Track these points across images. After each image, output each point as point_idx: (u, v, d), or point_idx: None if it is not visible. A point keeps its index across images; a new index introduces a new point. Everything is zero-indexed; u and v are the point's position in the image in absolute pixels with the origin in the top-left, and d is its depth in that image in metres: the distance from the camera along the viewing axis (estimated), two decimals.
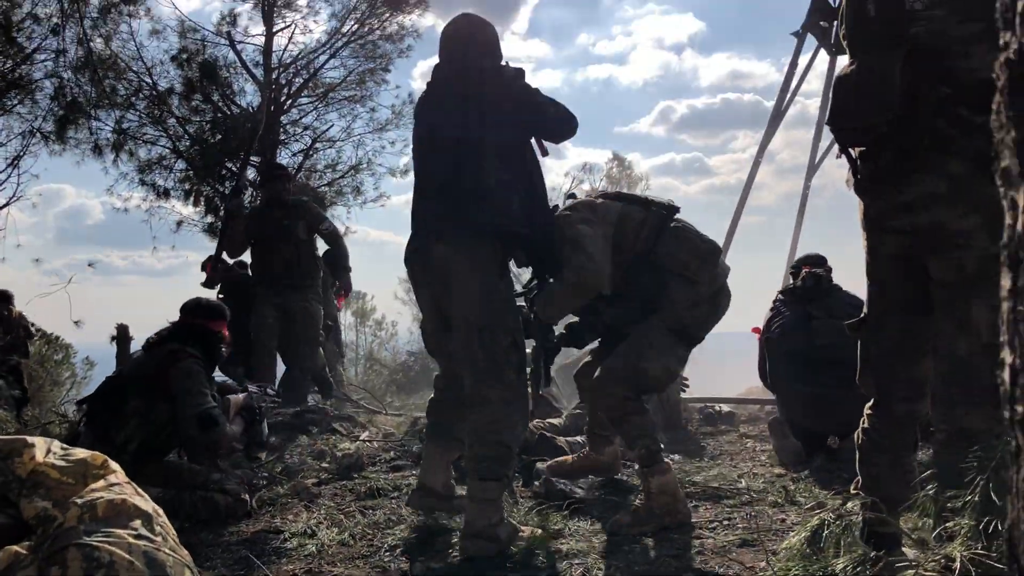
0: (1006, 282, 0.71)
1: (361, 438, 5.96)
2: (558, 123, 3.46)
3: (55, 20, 11.21)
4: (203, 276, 7.49)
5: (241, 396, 4.46)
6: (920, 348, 2.62)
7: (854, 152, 2.71)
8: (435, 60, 3.65)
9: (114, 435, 3.92)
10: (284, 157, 13.35)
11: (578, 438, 5.11)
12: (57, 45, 11.15)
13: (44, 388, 12.46)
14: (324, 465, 5.05)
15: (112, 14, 12.09)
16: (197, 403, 3.91)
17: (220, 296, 7.48)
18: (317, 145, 13.65)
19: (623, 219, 3.71)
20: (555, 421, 5.62)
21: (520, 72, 3.47)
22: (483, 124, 3.29)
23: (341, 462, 4.96)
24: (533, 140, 3.48)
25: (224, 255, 7.29)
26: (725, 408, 6.94)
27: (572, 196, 3.92)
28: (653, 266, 3.67)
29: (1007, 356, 0.71)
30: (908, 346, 2.62)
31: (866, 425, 2.75)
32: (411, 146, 3.74)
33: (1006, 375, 0.72)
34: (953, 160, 2.42)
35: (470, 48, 3.52)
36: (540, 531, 3.44)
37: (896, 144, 2.52)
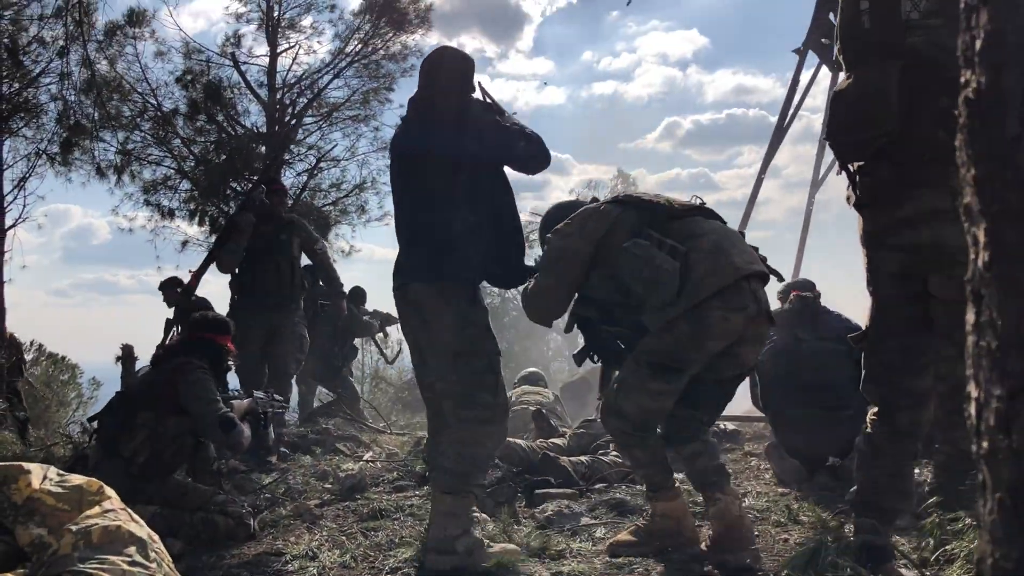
0: (970, 316, 0.71)
1: (364, 458, 5.95)
2: (528, 158, 3.47)
3: (61, 43, 11.29)
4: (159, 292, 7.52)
5: (245, 402, 4.50)
6: (921, 362, 2.58)
7: (853, 167, 2.69)
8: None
9: (123, 448, 3.95)
10: (289, 176, 13.42)
11: (583, 458, 5.09)
12: (62, 68, 11.22)
13: (51, 409, 12.49)
14: (327, 486, 5.05)
15: (118, 36, 12.20)
16: (214, 410, 3.99)
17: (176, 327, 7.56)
18: (321, 164, 13.70)
19: (616, 226, 3.43)
20: (558, 441, 5.61)
21: (489, 106, 3.49)
22: (448, 169, 3.34)
23: (344, 483, 4.95)
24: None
25: (208, 270, 6.66)
26: (730, 426, 6.92)
27: (595, 200, 3.86)
28: None
29: (972, 390, 0.71)
30: (909, 361, 2.59)
31: (869, 431, 2.71)
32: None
33: (972, 409, 0.72)
34: (955, 172, 2.39)
35: (440, 83, 3.52)
36: (512, 547, 3.42)
37: (895, 158, 2.49)
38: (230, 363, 4.52)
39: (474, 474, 3.35)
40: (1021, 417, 0.65)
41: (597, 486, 4.69)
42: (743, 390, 5.21)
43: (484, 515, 4.03)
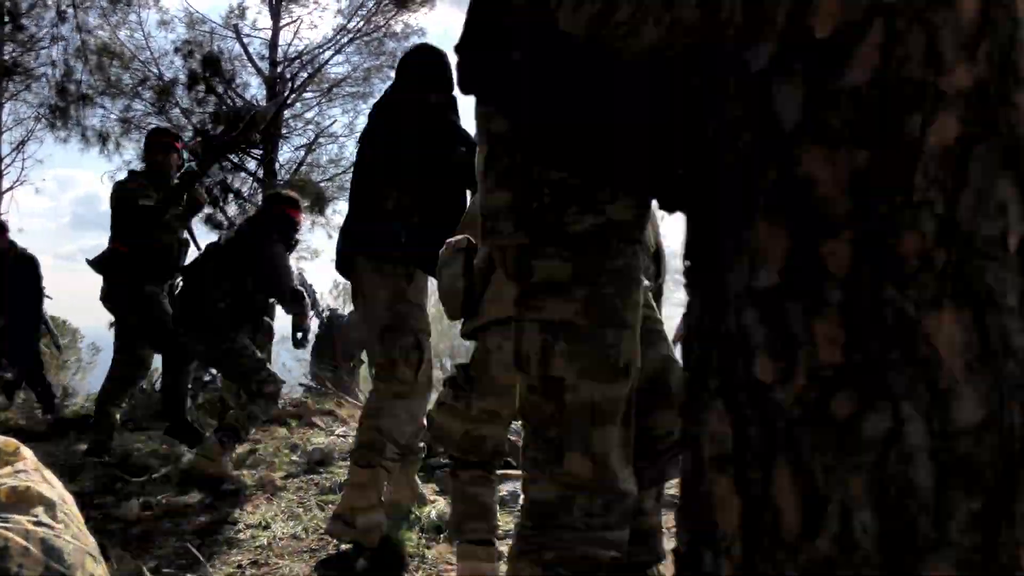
0: None
1: (336, 432, 6.01)
2: (461, 167, 3.29)
3: (64, 7, 11.34)
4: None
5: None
6: None
7: None
8: None
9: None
10: (286, 151, 13.45)
11: None
12: (64, 32, 11.27)
13: (50, 371, 12.58)
14: (294, 459, 5.10)
15: (121, 3, 12.21)
16: (289, 281, 4.75)
17: None
18: (320, 140, 13.74)
19: None
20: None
21: (451, 103, 3.44)
22: (386, 152, 3.37)
23: (311, 456, 5.00)
24: None
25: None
26: None
27: None
28: None
29: None
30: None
31: None
32: None
33: None
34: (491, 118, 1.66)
35: (404, 79, 3.53)
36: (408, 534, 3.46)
37: None
38: (297, 237, 5.09)
39: (383, 447, 3.36)
40: None
41: None
42: None
43: (433, 493, 4.09)
